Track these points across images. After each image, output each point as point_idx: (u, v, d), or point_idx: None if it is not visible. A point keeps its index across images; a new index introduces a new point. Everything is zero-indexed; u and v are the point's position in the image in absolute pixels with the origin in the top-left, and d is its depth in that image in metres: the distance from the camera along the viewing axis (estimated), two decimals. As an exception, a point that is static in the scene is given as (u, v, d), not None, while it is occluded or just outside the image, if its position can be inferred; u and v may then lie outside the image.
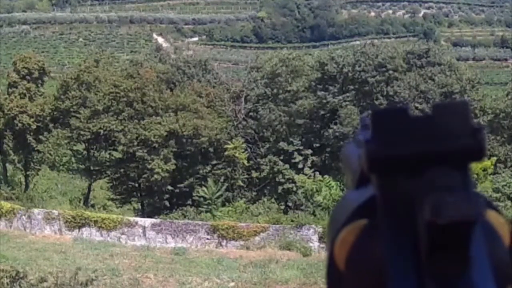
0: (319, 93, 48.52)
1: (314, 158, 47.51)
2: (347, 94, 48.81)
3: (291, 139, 47.98)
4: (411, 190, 0.71)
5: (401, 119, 0.74)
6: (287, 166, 46.86)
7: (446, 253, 0.71)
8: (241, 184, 48.57)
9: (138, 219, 43.38)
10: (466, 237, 0.71)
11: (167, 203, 47.00)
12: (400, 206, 0.71)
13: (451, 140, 0.73)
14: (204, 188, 45.19)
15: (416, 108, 46.10)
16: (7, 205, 43.38)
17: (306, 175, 45.30)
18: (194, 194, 45.96)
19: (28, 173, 51.11)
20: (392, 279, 0.70)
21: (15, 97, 48.90)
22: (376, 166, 0.72)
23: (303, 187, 44.66)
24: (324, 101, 48.41)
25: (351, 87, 49.58)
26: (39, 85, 50.80)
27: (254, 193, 49.01)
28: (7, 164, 52.34)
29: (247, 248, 40.55)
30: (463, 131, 0.73)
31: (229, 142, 47.50)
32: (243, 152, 47.49)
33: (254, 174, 48.77)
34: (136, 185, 48.47)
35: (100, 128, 46.54)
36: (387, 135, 0.73)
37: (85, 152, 50.87)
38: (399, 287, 0.69)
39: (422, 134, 0.73)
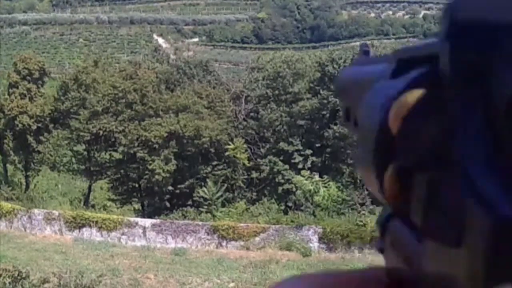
0: (322, 92, 48.43)
1: (314, 158, 47.52)
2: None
3: (291, 140, 47.98)
4: (486, 61, 0.61)
5: None
6: (287, 166, 46.88)
7: None
8: (241, 184, 48.60)
9: (138, 219, 43.41)
10: None
11: (167, 204, 47.03)
12: (472, 77, 0.62)
13: None
14: (204, 189, 45.22)
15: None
16: (7, 205, 43.43)
17: (303, 176, 45.28)
18: (194, 195, 46.00)
19: (28, 173, 51.17)
20: (459, 138, 0.59)
21: (16, 97, 48.98)
22: (456, 30, 0.63)
23: (300, 188, 44.69)
24: (325, 101, 48.35)
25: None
26: (40, 85, 50.87)
27: (254, 194, 49.03)
28: (7, 165, 52.38)
29: (247, 249, 40.58)
30: None
31: (229, 142, 47.51)
32: (243, 153, 47.52)
33: (254, 174, 48.77)
34: (136, 185, 48.52)
35: (99, 129, 46.58)
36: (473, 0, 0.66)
37: (85, 152, 50.90)
38: (468, 146, 0.58)
39: (507, 3, 0.65)
